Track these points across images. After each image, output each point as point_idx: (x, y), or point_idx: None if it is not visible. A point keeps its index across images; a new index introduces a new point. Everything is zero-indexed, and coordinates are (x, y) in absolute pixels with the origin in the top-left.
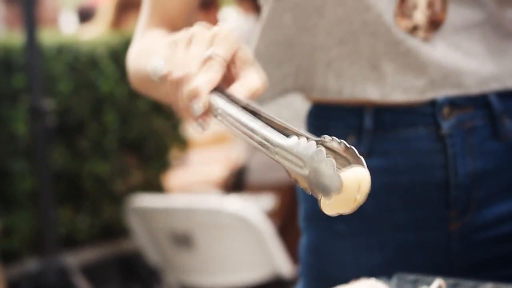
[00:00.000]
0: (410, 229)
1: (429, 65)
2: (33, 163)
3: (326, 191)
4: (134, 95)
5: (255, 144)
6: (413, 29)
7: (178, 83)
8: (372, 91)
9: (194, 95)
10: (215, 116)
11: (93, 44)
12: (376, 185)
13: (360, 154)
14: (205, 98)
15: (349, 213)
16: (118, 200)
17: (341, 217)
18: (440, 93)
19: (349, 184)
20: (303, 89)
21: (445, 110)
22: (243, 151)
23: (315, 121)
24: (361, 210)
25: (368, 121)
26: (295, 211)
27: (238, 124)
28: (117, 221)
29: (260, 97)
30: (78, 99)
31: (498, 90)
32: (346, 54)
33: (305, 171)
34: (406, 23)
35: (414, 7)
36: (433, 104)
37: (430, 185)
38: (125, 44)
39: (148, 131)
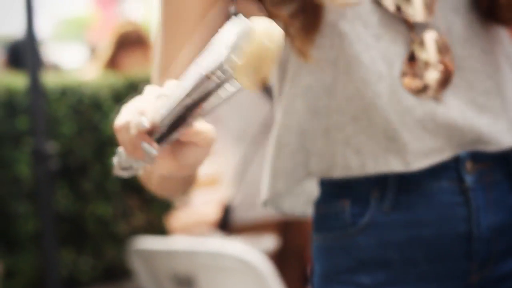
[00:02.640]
0: (432, 281)
1: (445, 126)
2: (36, 205)
3: (239, 42)
4: None
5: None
6: (423, 89)
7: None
8: (395, 163)
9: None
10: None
11: (97, 86)
12: (401, 238)
13: (385, 209)
14: (149, 113)
15: (264, 73)
16: (120, 241)
17: (365, 269)
18: (460, 151)
19: (260, 32)
20: (321, 172)
21: (468, 165)
22: (229, 189)
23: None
24: (386, 262)
25: (392, 182)
26: (286, 247)
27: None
28: (120, 262)
29: (275, 189)
30: (81, 141)
31: None
32: (362, 130)
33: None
34: (416, 84)
35: (426, 65)
36: (456, 159)
37: (453, 238)
38: (129, 87)
39: None
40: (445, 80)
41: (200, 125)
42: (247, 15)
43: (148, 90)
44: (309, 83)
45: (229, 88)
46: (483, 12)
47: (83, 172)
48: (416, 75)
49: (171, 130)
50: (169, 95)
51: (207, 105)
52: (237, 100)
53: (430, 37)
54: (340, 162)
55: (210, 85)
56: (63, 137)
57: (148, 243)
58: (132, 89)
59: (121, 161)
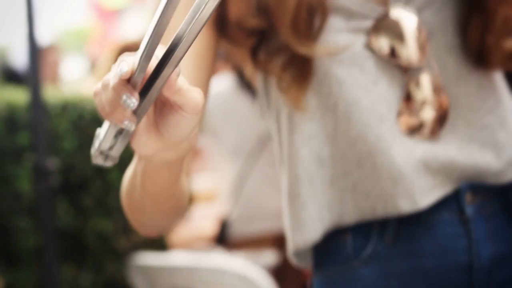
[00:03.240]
0: None
1: (446, 164)
2: (36, 220)
3: None
4: None
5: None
6: (419, 127)
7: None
8: (403, 204)
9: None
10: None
11: None
12: (403, 269)
13: (387, 241)
14: (129, 61)
15: None
16: (121, 257)
17: None
18: (460, 185)
19: None
20: (334, 221)
21: (468, 196)
22: (227, 204)
23: None
24: None
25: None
26: (285, 262)
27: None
28: (120, 278)
29: (296, 243)
30: (82, 157)
31: None
32: (367, 174)
33: None
34: (412, 122)
35: (422, 105)
36: (456, 191)
37: (454, 268)
38: None
39: None
40: (441, 118)
41: (186, 85)
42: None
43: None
44: (311, 132)
45: None
46: (473, 55)
47: (83, 188)
48: (412, 114)
49: (153, 77)
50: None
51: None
52: (233, 115)
53: (425, 78)
54: (351, 209)
55: None
56: (64, 152)
57: (148, 259)
58: None
59: (99, 141)
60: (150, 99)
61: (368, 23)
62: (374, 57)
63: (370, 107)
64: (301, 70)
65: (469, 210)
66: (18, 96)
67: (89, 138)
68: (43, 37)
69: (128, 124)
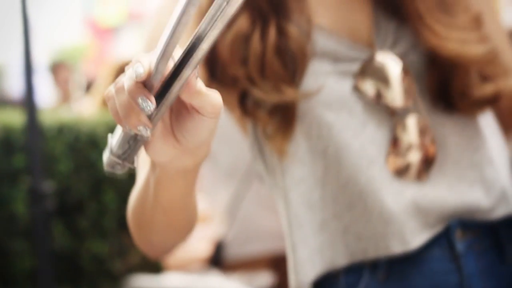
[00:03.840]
0: None
1: (436, 204)
2: (32, 242)
3: None
4: (133, 174)
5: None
6: (407, 169)
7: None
8: (395, 245)
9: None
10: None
11: (94, 123)
12: None
13: (379, 278)
14: (145, 62)
15: None
16: (116, 279)
17: None
18: (450, 222)
19: None
20: (326, 264)
21: (458, 233)
22: (221, 226)
23: None
24: None
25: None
26: (281, 283)
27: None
28: None
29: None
30: (78, 179)
31: (502, 217)
32: (359, 216)
33: None
34: (399, 164)
35: (409, 147)
36: (447, 228)
37: None
38: None
39: None
40: (428, 159)
41: (204, 87)
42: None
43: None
44: (301, 175)
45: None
46: (444, 100)
47: (79, 210)
48: (399, 156)
49: (171, 80)
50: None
51: (209, 31)
52: (228, 136)
53: (411, 121)
54: (342, 251)
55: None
56: (60, 174)
57: (143, 281)
58: None
59: (111, 148)
60: (167, 102)
61: (355, 66)
62: (362, 100)
63: (360, 150)
64: (285, 118)
65: (459, 246)
66: (14, 118)
67: (85, 161)
68: (39, 56)
69: (143, 129)
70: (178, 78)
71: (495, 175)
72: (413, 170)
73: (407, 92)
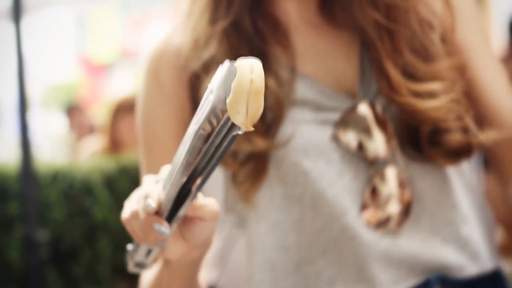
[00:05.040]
0: None
1: (409, 257)
2: None
3: (227, 83)
4: None
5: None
6: (385, 221)
7: (133, 218)
8: None
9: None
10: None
11: (88, 171)
12: None
13: None
14: (154, 195)
15: (255, 106)
16: None
17: None
18: (430, 277)
19: (241, 67)
20: None
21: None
22: (212, 272)
23: None
24: None
25: None
26: None
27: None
28: None
29: None
30: (71, 226)
31: (479, 272)
32: (333, 262)
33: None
34: (378, 216)
35: (387, 199)
36: (426, 283)
37: None
38: (120, 171)
39: None
40: (406, 212)
41: (203, 199)
42: None
43: (146, 179)
44: (276, 219)
45: (227, 133)
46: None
47: (73, 257)
48: (378, 208)
49: (177, 206)
50: (168, 172)
51: (209, 163)
52: (215, 182)
53: (390, 172)
54: None
55: (210, 132)
56: (54, 222)
57: None
58: (124, 173)
59: (133, 256)
60: (178, 219)
61: (335, 116)
62: (340, 149)
63: (334, 199)
64: (256, 168)
65: None
66: (8, 166)
67: (79, 208)
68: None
69: (161, 242)
70: (187, 199)
71: (469, 233)
72: (392, 223)
73: (387, 143)
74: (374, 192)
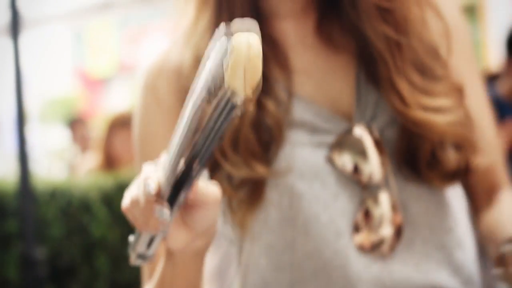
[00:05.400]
0: None
1: (401, 281)
2: None
3: (224, 48)
4: (126, 238)
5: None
6: (378, 245)
7: (134, 205)
8: None
9: (145, 184)
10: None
11: (86, 188)
12: None
13: None
14: (153, 177)
15: (254, 72)
16: None
17: None
18: None
19: (238, 29)
20: None
21: None
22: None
23: None
24: None
25: None
26: None
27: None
28: None
29: None
30: (70, 244)
31: None
32: (323, 285)
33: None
34: (371, 239)
35: (380, 222)
36: None
37: None
38: (118, 188)
39: (139, 275)
40: (398, 235)
41: (204, 184)
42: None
43: (144, 167)
44: (270, 241)
45: (227, 107)
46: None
47: (71, 274)
48: (371, 231)
49: (178, 190)
50: (167, 155)
51: (208, 141)
52: None
53: (383, 196)
54: None
55: (208, 110)
56: (52, 239)
57: None
58: (122, 190)
59: (135, 247)
60: (179, 203)
61: (331, 138)
62: (335, 172)
63: (329, 222)
64: (252, 193)
65: None
66: (6, 183)
67: (77, 225)
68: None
69: (162, 230)
70: (187, 183)
71: (464, 258)
72: (386, 246)
73: (382, 167)
74: (367, 214)
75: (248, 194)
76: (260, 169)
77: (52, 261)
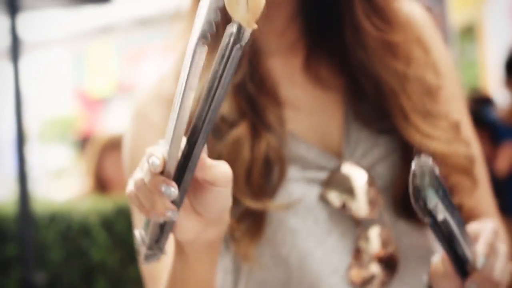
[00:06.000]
0: None
1: None
2: None
3: None
4: (125, 262)
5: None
6: (369, 281)
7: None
8: None
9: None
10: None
11: (86, 212)
12: None
13: None
14: (157, 153)
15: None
16: None
17: None
18: None
19: None
20: None
21: None
22: None
23: None
24: None
25: None
26: None
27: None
28: None
29: None
30: (69, 268)
31: None
32: None
33: None
34: (362, 275)
35: (371, 258)
36: None
37: None
38: (117, 212)
39: None
40: (390, 271)
41: (212, 161)
42: None
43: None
44: (264, 278)
45: (231, 49)
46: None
47: None
48: (361, 267)
49: (184, 168)
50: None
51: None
52: None
53: (374, 232)
54: None
55: (209, 62)
56: (52, 263)
57: None
58: (121, 214)
59: (143, 240)
60: (186, 183)
61: (323, 175)
62: (328, 208)
63: (323, 258)
64: (254, 224)
65: None
66: (6, 207)
67: (77, 249)
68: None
69: (171, 214)
70: (191, 159)
71: None
72: (376, 282)
73: (372, 203)
74: (358, 251)
75: (250, 225)
76: (266, 202)
77: (52, 286)
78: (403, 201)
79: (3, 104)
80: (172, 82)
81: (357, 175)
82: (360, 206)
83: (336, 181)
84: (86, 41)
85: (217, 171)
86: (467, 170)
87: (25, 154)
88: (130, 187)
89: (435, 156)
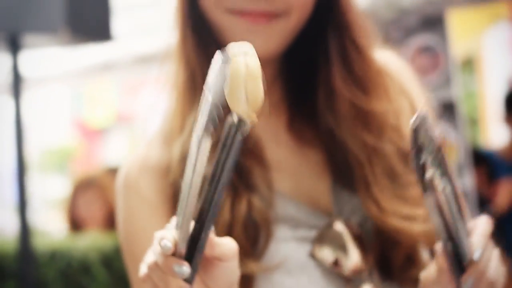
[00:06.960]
0: None
1: None
2: None
3: (223, 74)
4: None
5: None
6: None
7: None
8: None
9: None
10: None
11: (86, 249)
12: None
13: None
14: (169, 236)
15: (255, 91)
16: None
17: None
18: None
19: (234, 52)
20: None
21: None
22: None
23: None
24: None
25: None
26: None
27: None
28: None
29: None
30: None
31: None
32: None
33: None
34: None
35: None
36: None
37: None
38: (117, 249)
39: None
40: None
41: (218, 239)
42: None
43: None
44: None
45: (233, 139)
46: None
47: None
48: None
49: (193, 247)
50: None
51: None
52: None
53: None
54: None
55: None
56: None
57: None
58: (121, 251)
59: None
60: (197, 262)
61: (314, 233)
62: (321, 266)
63: None
64: (241, 287)
65: None
66: (6, 244)
67: (77, 286)
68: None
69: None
70: (201, 239)
71: None
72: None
73: (362, 261)
74: None
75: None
76: (250, 265)
77: None
78: (379, 262)
79: (2, 132)
80: (159, 149)
81: (348, 232)
82: (352, 263)
83: (329, 238)
84: (86, 77)
85: (225, 248)
86: (424, 245)
87: (25, 184)
88: (143, 270)
89: (390, 231)
